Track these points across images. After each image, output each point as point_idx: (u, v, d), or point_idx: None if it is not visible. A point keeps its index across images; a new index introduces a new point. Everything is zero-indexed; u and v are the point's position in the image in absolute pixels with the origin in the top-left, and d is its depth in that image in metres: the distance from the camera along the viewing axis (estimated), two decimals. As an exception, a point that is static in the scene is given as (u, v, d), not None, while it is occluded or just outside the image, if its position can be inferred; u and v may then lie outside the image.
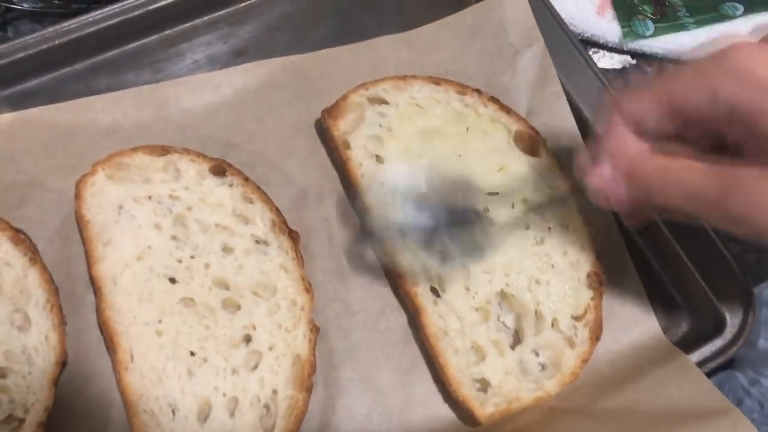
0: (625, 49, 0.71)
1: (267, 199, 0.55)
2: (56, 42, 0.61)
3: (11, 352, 0.48)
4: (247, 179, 0.55)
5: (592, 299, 0.54)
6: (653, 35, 0.70)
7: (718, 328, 0.55)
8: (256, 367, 0.50)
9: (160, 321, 0.50)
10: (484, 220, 0.53)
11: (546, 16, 0.65)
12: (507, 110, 0.60)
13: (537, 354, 0.52)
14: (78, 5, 0.66)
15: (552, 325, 0.53)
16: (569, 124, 0.61)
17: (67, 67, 0.62)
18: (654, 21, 0.71)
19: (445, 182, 0.53)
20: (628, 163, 0.44)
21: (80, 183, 0.54)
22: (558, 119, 0.61)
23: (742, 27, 0.70)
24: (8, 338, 0.49)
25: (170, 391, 0.48)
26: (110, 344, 0.49)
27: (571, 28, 0.67)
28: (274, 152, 0.59)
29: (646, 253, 0.59)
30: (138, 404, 0.48)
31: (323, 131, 0.59)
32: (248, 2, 0.67)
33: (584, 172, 0.46)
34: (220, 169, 0.55)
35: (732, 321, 0.54)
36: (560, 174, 0.58)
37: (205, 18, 0.66)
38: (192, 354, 0.49)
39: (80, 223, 0.53)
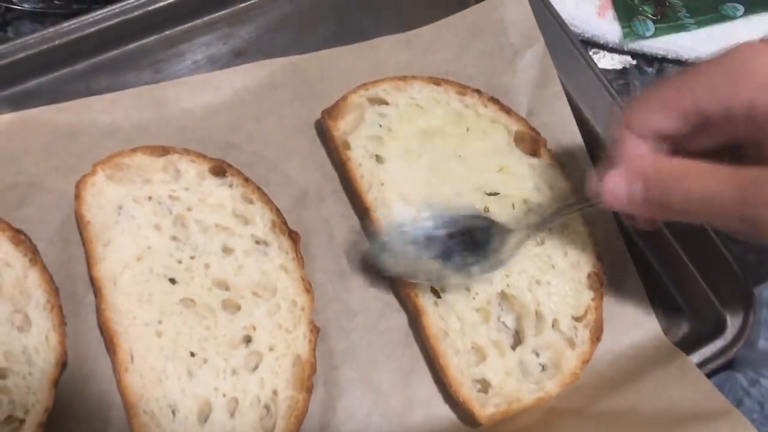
0: (625, 49, 0.71)
1: (267, 200, 0.55)
2: (56, 42, 0.61)
3: (11, 353, 0.48)
4: (247, 180, 0.55)
5: (592, 300, 0.54)
6: (654, 36, 0.70)
7: (719, 328, 0.54)
8: (256, 367, 0.50)
9: (160, 322, 0.50)
10: (496, 235, 0.53)
11: (546, 17, 0.65)
12: (507, 110, 0.60)
13: (537, 354, 0.52)
14: (78, 5, 0.66)
15: (552, 326, 0.53)
16: (569, 124, 0.61)
17: (68, 67, 0.62)
18: (654, 21, 0.71)
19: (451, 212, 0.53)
20: (645, 165, 0.43)
21: (80, 183, 0.54)
22: (558, 120, 0.61)
23: (742, 27, 0.70)
24: (8, 339, 0.49)
25: (170, 392, 0.48)
26: (110, 345, 0.49)
27: (572, 28, 0.67)
28: (274, 153, 0.59)
29: (647, 254, 0.59)
30: (138, 405, 0.48)
31: (323, 132, 0.59)
32: (248, 3, 0.67)
33: (598, 181, 0.45)
34: (220, 170, 0.55)
35: (732, 322, 0.54)
36: (560, 174, 0.58)
37: (205, 18, 0.66)
38: (192, 355, 0.49)
39: (80, 223, 0.53)
